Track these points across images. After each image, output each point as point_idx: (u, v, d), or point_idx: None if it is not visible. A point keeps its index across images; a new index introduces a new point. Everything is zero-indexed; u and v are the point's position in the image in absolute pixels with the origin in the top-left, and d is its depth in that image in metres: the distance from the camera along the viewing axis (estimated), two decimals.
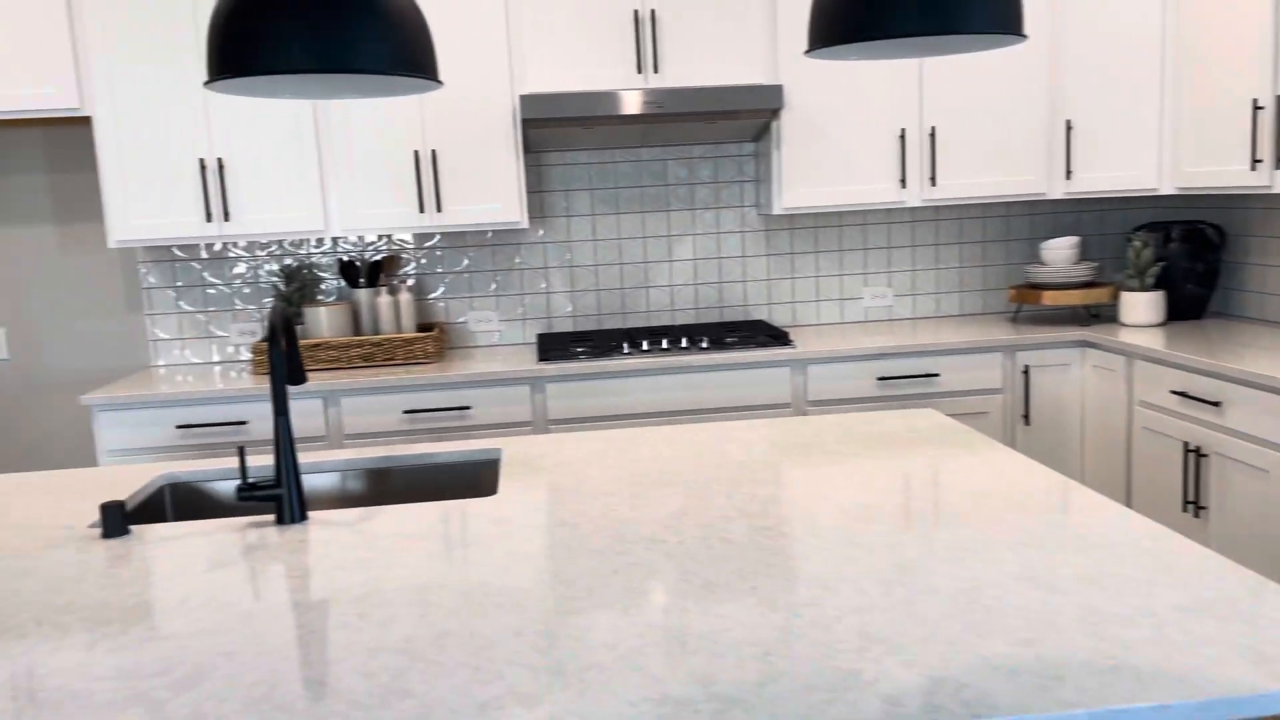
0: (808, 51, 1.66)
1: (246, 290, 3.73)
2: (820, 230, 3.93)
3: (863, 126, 3.55)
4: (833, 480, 1.84)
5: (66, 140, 3.60)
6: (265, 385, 3.21)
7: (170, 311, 3.71)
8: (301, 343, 3.40)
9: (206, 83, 1.51)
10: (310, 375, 3.32)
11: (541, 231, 3.83)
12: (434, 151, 3.39)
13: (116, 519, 1.69)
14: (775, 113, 3.46)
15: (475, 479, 2.21)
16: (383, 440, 3.28)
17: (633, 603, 1.33)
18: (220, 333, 3.73)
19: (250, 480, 1.78)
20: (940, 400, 3.43)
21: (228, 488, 2.15)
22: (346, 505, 2.19)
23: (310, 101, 3.34)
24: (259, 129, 3.33)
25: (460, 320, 3.83)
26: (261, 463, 2.22)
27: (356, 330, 3.59)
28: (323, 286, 3.74)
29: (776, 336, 3.46)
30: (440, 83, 1.64)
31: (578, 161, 3.81)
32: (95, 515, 1.84)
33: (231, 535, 1.69)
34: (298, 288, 3.57)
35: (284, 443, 1.73)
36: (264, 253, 3.71)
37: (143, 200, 3.33)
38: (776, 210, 3.59)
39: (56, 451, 3.72)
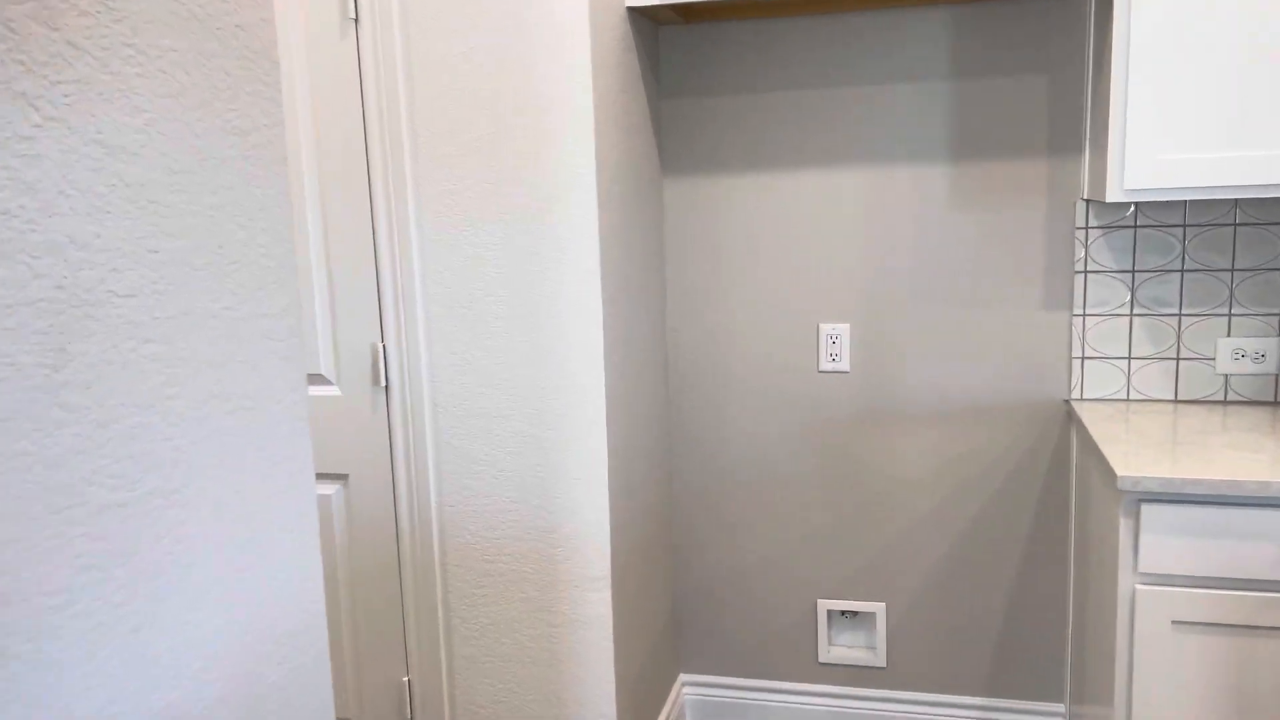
0: None
1: (1257, 281, 2.14)
2: None
3: None
4: None
5: (973, 23, 2.23)
6: None
7: (1118, 313, 2.22)
8: None
9: None
10: None
11: None
12: None
13: None
14: None
15: None
16: None
17: None
18: (1196, 353, 2.19)
19: None
20: None
21: None
22: None
23: None
24: None
25: None
26: None
27: None
28: None
29: None
30: None
31: None
32: None
33: None
34: None
35: None
36: None
37: (1177, 124, 1.84)
38: None
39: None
